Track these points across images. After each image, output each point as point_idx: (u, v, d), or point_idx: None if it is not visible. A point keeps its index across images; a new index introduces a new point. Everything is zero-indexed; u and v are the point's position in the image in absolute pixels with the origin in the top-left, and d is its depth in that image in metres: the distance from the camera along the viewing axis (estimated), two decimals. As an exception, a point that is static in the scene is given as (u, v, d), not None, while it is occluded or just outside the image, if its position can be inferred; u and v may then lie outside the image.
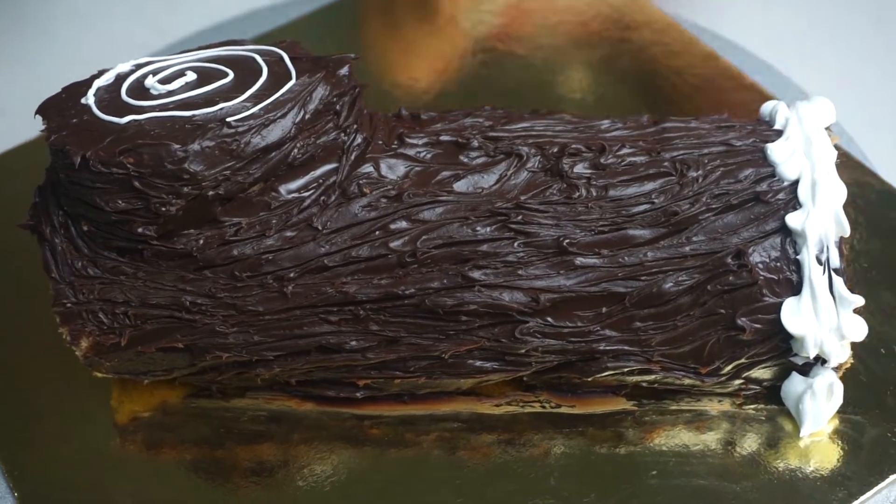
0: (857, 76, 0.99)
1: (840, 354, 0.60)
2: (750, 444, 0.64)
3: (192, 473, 0.65)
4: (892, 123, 0.94)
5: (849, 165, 0.77)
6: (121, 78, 0.63)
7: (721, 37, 0.90)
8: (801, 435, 0.63)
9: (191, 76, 0.62)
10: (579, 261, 0.61)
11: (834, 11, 1.05)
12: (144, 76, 0.63)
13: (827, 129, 0.63)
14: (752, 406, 0.65)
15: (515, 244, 0.61)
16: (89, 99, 0.61)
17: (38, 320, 0.71)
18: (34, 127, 0.63)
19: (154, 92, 0.61)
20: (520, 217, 0.61)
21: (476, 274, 0.61)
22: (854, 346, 0.62)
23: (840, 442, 0.63)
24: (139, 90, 0.62)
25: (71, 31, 1.08)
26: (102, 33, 1.09)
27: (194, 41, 0.67)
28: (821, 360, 0.61)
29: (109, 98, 0.62)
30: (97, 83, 0.63)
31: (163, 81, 0.62)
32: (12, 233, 0.67)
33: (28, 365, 0.70)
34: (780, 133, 0.63)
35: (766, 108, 0.66)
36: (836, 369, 0.62)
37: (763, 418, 0.65)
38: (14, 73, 1.07)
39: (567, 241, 0.61)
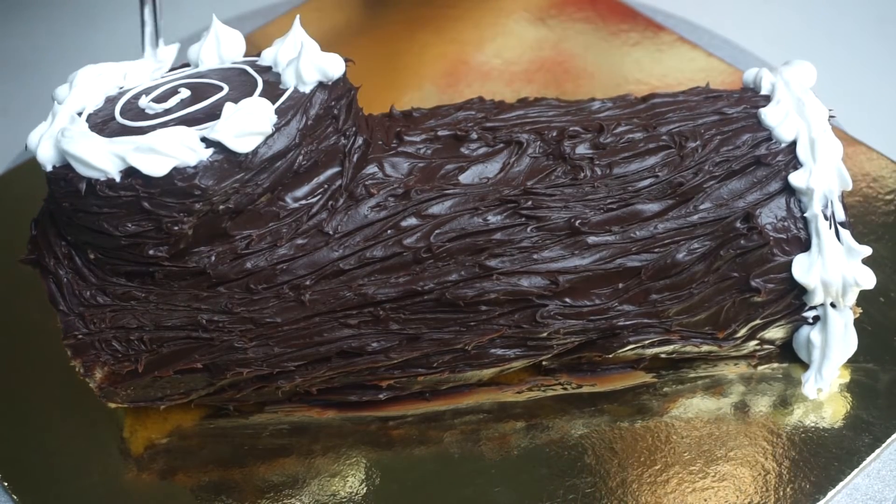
0: (857, 76, 1.01)
1: (851, 299, 0.62)
2: (769, 402, 0.65)
3: (218, 496, 0.64)
4: (892, 123, 0.96)
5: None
6: (111, 100, 0.62)
7: (719, 36, 0.92)
8: (818, 383, 0.65)
9: (185, 93, 0.61)
10: (592, 240, 0.62)
11: (834, 11, 1.08)
12: (136, 97, 0.62)
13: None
14: (766, 366, 0.67)
15: (528, 229, 0.62)
16: (82, 126, 0.60)
17: (42, 355, 0.70)
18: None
19: (150, 111, 0.60)
20: (529, 202, 0.62)
21: (493, 262, 0.61)
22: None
23: (855, 391, 0.65)
24: (134, 111, 0.61)
25: (72, 32, 1.06)
26: (104, 34, 1.07)
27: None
28: (832, 307, 0.63)
29: (104, 122, 0.60)
30: (87, 110, 0.61)
31: (157, 100, 0.61)
32: (11, 267, 0.65)
33: (37, 401, 0.68)
34: (768, 98, 0.65)
35: (749, 75, 0.68)
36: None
37: (780, 376, 0.67)
38: (16, 73, 1.05)
39: (578, 221, 0.62)
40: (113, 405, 0.66)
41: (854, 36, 1.06)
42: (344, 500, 0.63)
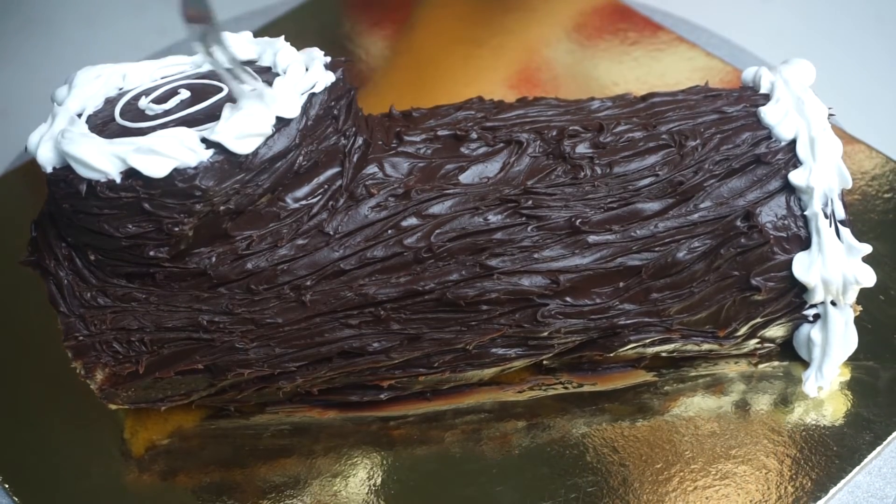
0: (857, 75, 1.01)
1: (851, 297, 0.62)
2: (770, 400, 0.66)
3: (220, 497, 0.64)
4: (892, 122, 0.96)
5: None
6: (110, 101, 0.62)
7: (719, 35, 0.91)
8: (819, 382, 0.65)
9: (184, 94, 0.61)
10: (592, 239, 0.62)
11: (834, 11, 1.08)
12: (136, 98, 0.62)
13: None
14: (767, 364, 0.67)
15: (529, 229, 0.62)
16: (82, 128, 0.60)
17: (43, 357, 0.70)
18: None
19: (150, 112, 0.60)
20: (529, 202, 0.62)
21: (493, 262, 0.61)
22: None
23: (856, 388, 0.66)
24: (134, 112, 0.61)
25: (72, 32, 1.07)
26: (104, 34, 1.08)
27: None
28: (833, 305, 0.63)
29: (103, 124, 0.60)
30: (86, 112, 0.61)
31: (157, 101, 0.61)
32: (12, 269, 0.65)
33: (38, 403, 0.69)
34: (768, 97, 0.65)
35: (748, 74, 0.68)
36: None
37: (780, 374, 0.67)
38: (15, 73, 1.05)
39: (579, 220, 0.62)
40: (114, 406, 0.66)
41: (853, 35, 1.07)
42: (345, 500, 0.63)
